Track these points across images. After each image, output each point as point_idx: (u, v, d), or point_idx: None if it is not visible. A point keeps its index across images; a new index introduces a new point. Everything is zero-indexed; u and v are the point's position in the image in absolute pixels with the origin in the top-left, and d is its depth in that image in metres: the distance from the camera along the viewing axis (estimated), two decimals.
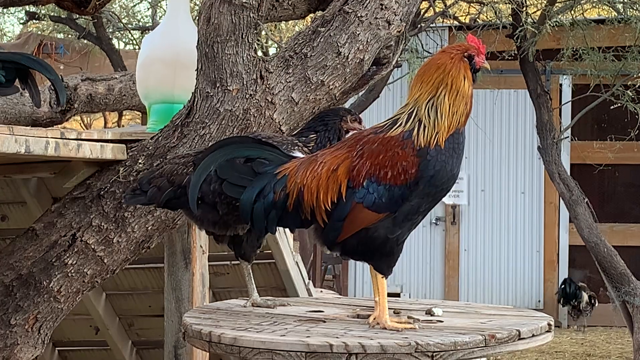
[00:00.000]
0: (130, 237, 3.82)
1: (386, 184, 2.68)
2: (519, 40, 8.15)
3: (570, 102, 11.00)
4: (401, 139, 2.69)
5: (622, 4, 8.44)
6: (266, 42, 11.98)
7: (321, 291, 8.30)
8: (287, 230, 5.26)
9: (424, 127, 2.69)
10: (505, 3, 8.44)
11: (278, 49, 5.19)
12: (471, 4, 9.18)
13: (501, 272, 12.18)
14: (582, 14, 8.63)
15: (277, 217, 2.77)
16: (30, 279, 3.81)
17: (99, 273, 3.86)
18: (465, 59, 2.75)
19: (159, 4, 12.80)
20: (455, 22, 9.08)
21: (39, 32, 13.27)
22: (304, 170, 2.76)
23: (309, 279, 6.17)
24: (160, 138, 3.85)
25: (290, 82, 3.76)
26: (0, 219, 5.14)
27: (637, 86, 8.49)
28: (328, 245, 2.79)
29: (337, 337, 2.59)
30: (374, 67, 3.95)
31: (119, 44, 14.51)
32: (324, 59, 3.77)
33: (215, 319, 2.90)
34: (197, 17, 3.80)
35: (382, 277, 2.75)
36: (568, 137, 10.17)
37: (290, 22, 10.93)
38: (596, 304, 11.44)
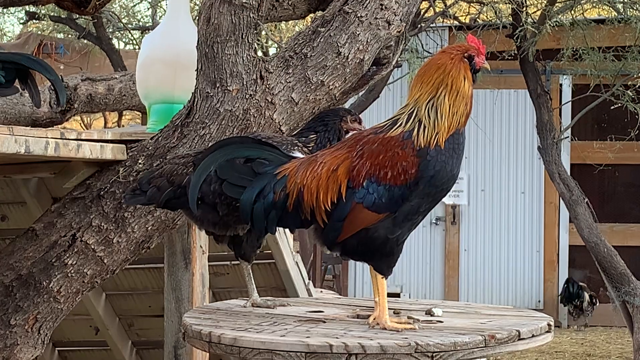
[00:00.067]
0: (130, 237, 3.82)
1: (386, 184, 2.68)
2: (519, 40, 8.15)
3: (570, 102, 11.00)
4: (401, 139, 2.69)
5: (622, 4, 8.44)
6: (266, 42, 11.97)
7: (321, 291, 8.30)
8: (287, 230, 5.26)
9: (424, 127, 2.69)
10: (505, 3, 8.44)
11: (278, 49, 5.19)
12: (471, 4, 9.18)
13: (501, 272, 12.18)
14: (582, 13, 8.63)
15: (277, 218, 2.77)
16: (30, 279, 3.81)
17: (99, 273, 3.86)
18: (465, 60, 2.75)
19: (159, 4, 12.80)
20: (455, 22, 9.08)
21: (39, 32, 13.27)
22: (304, 170, 2.76)
23: (309, 279, 6.17)
24: (160, 138, 3.85)
25: (290, 82, 3.76)
26: (0, 219, 5.14)
27: (637, 86, 8.49)
28: (328, 245, 2.79)
29: (337, 338, 2.58)
30: (374, 67, 3.95)
31: (119, 44, 14.52)
32: (324, 59, 3.77)
33: (215, 319, 2.90)
34: (197, 17, 3.80)
35: (382, 278, 2.75)
36: (568, 137, 10.17)
37: (290, 22, 10.93)
38: (597, 304, 11.45)
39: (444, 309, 3.04)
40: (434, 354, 2.52)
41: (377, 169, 2.69)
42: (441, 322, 2.85)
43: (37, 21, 12.33)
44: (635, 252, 11.45)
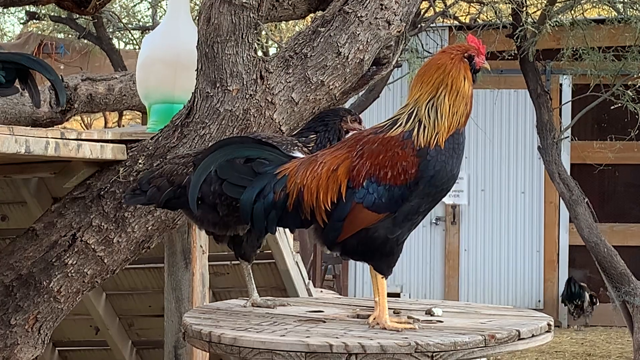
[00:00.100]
0: (130, 237, 3.82)
1: (386, 184, 2.68)
2: (519, 40, 8.15)
3: (570, 102, 11.00)
4: (401, 139, 2.70)
5: (622, 4, 8.44)
6: (266, 42, 11.98)
7: (321, 291, 8.30)
8: (287, 230, 5.26)
9: (424, 127, 2.69)
10: (505, 3, 8.44)
11: (278, 49, 5.19)
12: (471, 4, 9.18)
13: (501, 272, 12.18)
14: (582, 13, 8.63)
15: (277, 217, 2.77)
16: (30, 279, 3.81)
17: (99, 273, 3.86)
18: (466, 60, 2.75)
19: (159, 4, 12.80)
20: (456, 22, 9.08)
21: (39, 32, 13.28)
22: (304, 170, 2.76)
23: (309, 279, 6.17)
24: (160, 138, 3.85)
25: (290, 82, 3.76)
26: (0, 219, 5.14)
27: (637, 86, 8.49)
28: (328, 245, 2.79)
29: (337, 337, 2.59)
30: (374, 67, 3.95)
31: (119, 43, 14.52)
32: (324, 59, 3.77)
33: (215, 319, 2.90)
34: (197, 17, 3.80)
35: (382, 277, 2.75)
36: (568, 137, 10.17)
37: (290, 22, 10.93)
38: (597, 304, 11.46)
39: (444, 308, 3.04)
40: (434, 354, 2.52)
41: (377, 169, 2.69)
42: (441, 322, 2.85)
43: (37, 21, 12.33)
44: (635, 252, 11.45)
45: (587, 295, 11.39)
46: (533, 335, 2.71)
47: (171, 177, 3.14)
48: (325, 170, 2.74)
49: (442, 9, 8.52)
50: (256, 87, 3.72)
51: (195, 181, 2.80)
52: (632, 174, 12.07)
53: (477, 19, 9.48)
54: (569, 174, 8.56)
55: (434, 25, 9.13)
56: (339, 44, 3.77)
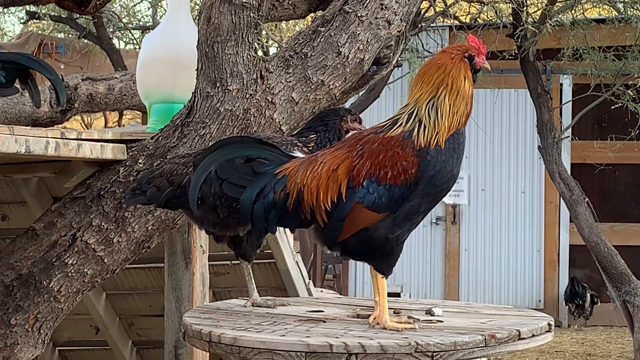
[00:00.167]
0: (130, 237, 3.82)
1: (386, 184, 2.68)
2: (519, 40, 8.15)
3: (570, 102, 11.00)
4: (401, 139, 2.69)
5: (622, 4, 8.44)
6: (267, 42, 11.98)
7: (321, 291, 8.30)
8: (287, 230, 5.26)
9: (424, 127, 2.69)
10: (506, 2, 8.44)
11: (278, 49, 5.19)
12: (471, 4, 9.18)
13: (501, 271, 12.18)
14: (583, 13, 8.63)
15: (277, 217, 2.77)
16: (30, 278, 3.81)
17: (99, 273, 3.86)
18: (466, 59, 2.75)
19: (159, 4, 12.80)
20: (456, 22, 9.08)
21: (40, 32, 13.28)
22: (304, 170, 2.76)
23: (309, 278, 6.17)
24: (160, 138, 3.85)
25: (290, 82, 3.76)
26: (0, 218, 5.14)
27: (637, 86, 8.49)
28: (328, 245, 2.79)
29: (337, 337, 2.59)
30: (374, 66, 3.95)
31: (119, 43, 14.52)
32: (324, 58, 3.77)
33: (215, 318, 2.90)
34: (198, 17, 3.80)
35: (382, 277, 2.75)
36: (568, 136, 10.17)
37: (290, 21, 10.93)
38: (598, 304, 11.46)
39: (444, 308, 3.04)
40: (434, 354, 2.52)
41: (377, 169, 2.69)
42: (441, 321, 2.85)
43: (38, 21, 12.34)
44: (635, 251, 11.45)
45: (588, 295, 11.40)
46: (533, 335, 2.71)
47: (171, 177, 3.14)
48: (325, 170, 2.74)
49: (442, 9, 8.52)
50: (256, 87, 3.72)
51: (195, 181, 2.80)
52: (633, 174, 12.07)
53: (478, 19, 9.48)
54: (569, 173, 8.56)
55: (434, 25, 9.13)
56: (339, 44, 3.77)
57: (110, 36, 12.25)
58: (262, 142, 2.85)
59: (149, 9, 13.87)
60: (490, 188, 12.25)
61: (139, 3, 14.04)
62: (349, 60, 3.79)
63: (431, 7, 8.35)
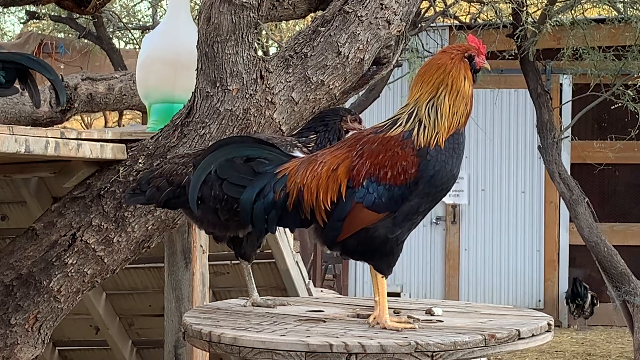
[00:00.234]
0: (130, 237, 3.82)
1: (386, 184, 2.68)
2: (519, 40, 8.15)
3: (570, 102, 11.00)
4: (401, 138, 2.69)
5: (622, 4, 8.44)
6: (266, 42, 11.98)
7: (321, 291, 8.30)
8: (287, 229, 5.26)
9: (424, 127, 2.69)
10: (506, 2, 8.44)
11: (278, 49, 5.19)
12: (471, 4, 9.18)
13: (501, 271, 12.18)
14: (583, 13, 8.63)
15: (277, 217, 2.77)
16: (30, 278, 3.81)
17: (99, 273, 3.86)
18: (466, 59, 2.75)
19: (159, 4, 12.81)
20: (456, 22, 9.08)
21: (40, 32, 13.28)
22: (303, 170, 2.76)
23: (309, 278, 6.16)
24: (160, 138, 3.85)
25: (290, 81, 3.76)
26: (0, 218, 5.14)
27: (637, 86, 8.49)
28: (328, 245, 2.79)
29: (337, 337, 2.59)
30: (374, 66, 3.95)
31: (119, 43, 14.52)
32: (324, 58, 3.77)
33: (215, 318, 2.90)
34: (197, 17, 3.80)
35: (382, 277, 2.75)
36: (568, 136, 10.17)
37: (290, 21, 10.93)
38: (597, 304, 11.46)
39: (444, 308, 3.04)
40: (434, 354, 2.52)
41: (377, 169, 2.69)
42: (441, 321, 2.85)
43: (38, 21, 12.34)
44: (635, 251, 11.45)
45: (589, 295, 11.40)
46: (533, 335, 2.71)
47: (171, 177, 3.14)
48: (325, 169, 2.74)
49: (442, 9, 8.52)
50: (256, 87, 3.72)
51: (195, 181, 2.80)
52: (633, 174, 12.07)
53: (478, 19, 9.48)
54: (569, 173, 8.57)
55: (434, 24, 9.14)
56: (339, 44, 3.77)
57: (110, 36, 12.25)
58: (262, 142, 2.85)
59: (149, 9, 13.87)
60: (490, 188, 12.25)
61: (139, 3, 14.05)
62: (349, 60, 3.79)
63: (431, 7, 8.35)
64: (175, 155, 3.51)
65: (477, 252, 12.20)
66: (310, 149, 3.17)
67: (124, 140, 3.94)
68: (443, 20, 10.00)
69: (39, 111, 5.64)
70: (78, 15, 10.30)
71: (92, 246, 3.80)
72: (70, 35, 13.35)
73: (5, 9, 13.15)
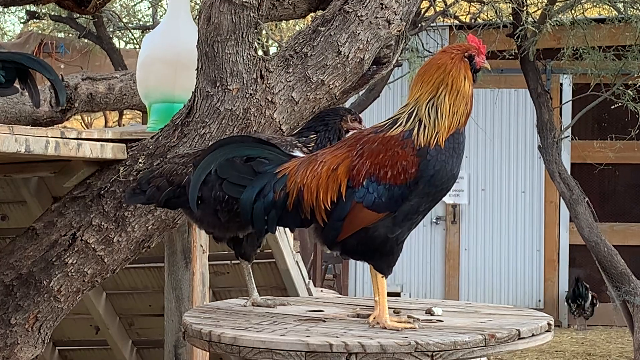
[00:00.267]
0: (130, 237, 3.82)
1: (386, 184, 2.68)
2: (519, 40, 8.15)
3: (570, 102, 11.00)
4: (401, 138, 2.69)
5: (622, 3, 8.44)
6: (267, 42, 11.98)
7: (321, 290, 8.30)
8: (287, 229, 5.26)
9: (424, 126, 2.69)
10: (506, 2, 8.44)
11: (278, 48, 5.19)
12: (472, 4, 9.18)
13: (501, 271, 12.18)
14: (583, 13, 8.63)
15: (277, 217, 2.77)
16: (30, 278, 3.81)
17: (99, 272, 3.86)
18: (466, 59, 2.75)
19: (159, 4, 12.81)
20: (456, 22, 9.08)
21: (40, 32, 13.28)
22: (304, 169, 2.76)
23: (309, 278, 6.17)
24: (160, 137, 3.85)
25: (290, 81, 3.76)
26: (0, 218, 5.14)
27: (637, 85, 8.49)
28: (328, 244, 2.79)
29: (337, 337, 2.59)
30: (374, 66, 3.95)
31: (119, 43, 14.52)
32: (324, 58, 3.77)
33: (215, 318, 2.90)
34: (198, 17, 3.80)
35: (382, 277, 2.75)
36: (568, 136, 10.17)
37: (290, 21, 10.93)
38: (597, 305, 11.46)
39: (444, 308, 3.04)
40: (434, 353, 2.52)
41: (377, 168, 2.69)
42: (441, 321, 2.85)
43: (38, 20, 12.34)
44: (635, 251, 11.45)
45: (590, 296, 11.41)
46: (533, 335, 2.71)
47: (171, 177, 3.14)
48: (325, 169, 2.74)
49: (442, 9, 8.52)
50: (256, 87, 3.72)
51: (195, 180, 2.80)
52: (633, 174, 12.07)
53: (478, 19, 9.48)
54: (569, 173, 8.57)
55: (434, 24, 9.14)
56: (339, 43, 3.77)
57: (110, 36, 12.26)
58: (262, 142, 2.85)
59: (149, 8, 13.87)
60: (490, 188, 12.25)
61: (139, 3, 14.05)
62: (349, 59, 3.79)
63: (431, 7, 8.36)
64: (176, 155, 3.51)
65: (477, 252, 12.20)
66: (311, 148, 3.17)
67: (124, 140, 3.93)
68: (443, 20, 10.01)
69: (39, 111, 5.64)
70: (78, 15, 10.30)
71: (92, 246, 3.80)
72: (70, 35, 13.36)
73: (5, 9, 13.15)
